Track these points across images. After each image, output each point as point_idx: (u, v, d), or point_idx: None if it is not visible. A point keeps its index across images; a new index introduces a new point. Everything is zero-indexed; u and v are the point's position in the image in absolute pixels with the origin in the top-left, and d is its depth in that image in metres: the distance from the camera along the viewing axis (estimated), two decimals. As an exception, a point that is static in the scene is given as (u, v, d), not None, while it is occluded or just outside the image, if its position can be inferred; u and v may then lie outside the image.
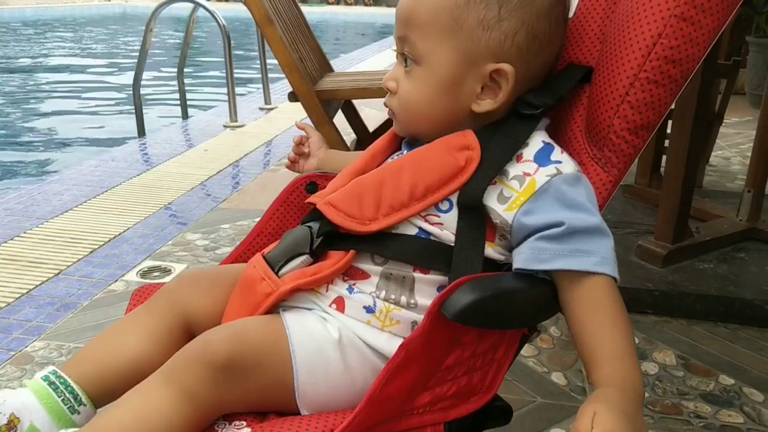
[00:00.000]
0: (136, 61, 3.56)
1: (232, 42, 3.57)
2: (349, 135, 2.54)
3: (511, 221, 0.65)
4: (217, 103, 4.36)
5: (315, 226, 0.70)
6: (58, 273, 1.85)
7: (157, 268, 1.91)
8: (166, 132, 3.62)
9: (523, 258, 0.63)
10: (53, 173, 2.83)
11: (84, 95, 5.59)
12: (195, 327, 0.73)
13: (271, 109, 4.12)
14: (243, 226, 2.23)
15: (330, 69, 2.08)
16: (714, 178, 2.83)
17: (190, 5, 3.62)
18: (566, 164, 0.66)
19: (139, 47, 3.56)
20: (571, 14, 0.74)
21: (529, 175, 0.65)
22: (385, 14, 15.78)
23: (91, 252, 2.00)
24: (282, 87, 4.94)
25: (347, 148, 1.74)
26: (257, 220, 2.26)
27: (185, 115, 3.97)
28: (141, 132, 3.57)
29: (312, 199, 0.72)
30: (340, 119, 2.33)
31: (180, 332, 0.73)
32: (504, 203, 0.65)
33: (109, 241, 2.09)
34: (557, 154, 0.67)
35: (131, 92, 3.58)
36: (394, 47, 0.76)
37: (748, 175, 1.97)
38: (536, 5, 0.68)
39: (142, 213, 2.33)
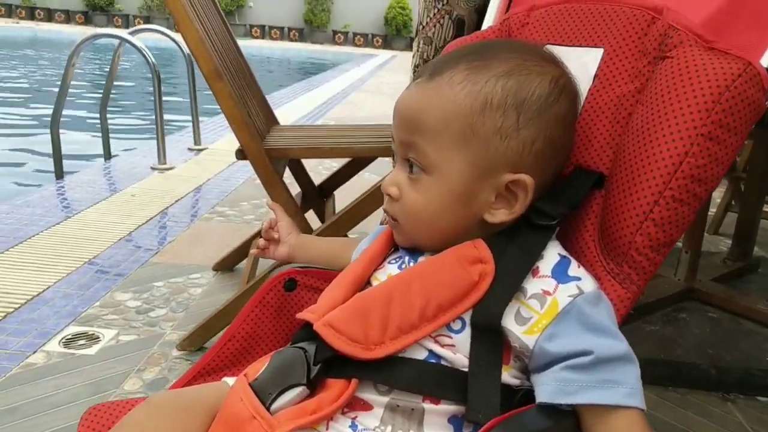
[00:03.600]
0: (50, 91, 3.33)
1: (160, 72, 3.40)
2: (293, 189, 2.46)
3: (533, 346, 0.60)
4: (142, 143, 4.15)
5: (309, 348, 0.62)
6: (-35, 344, 1.64)
7: (83, 334, 1.73)
8: (88, 174, 3.38)
9: (549, 390, 0.58)
10: (-43, 221, 2.55)
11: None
12: None
13: (201, 150, 3.96)
14: (178, 284, 2.08)
15: (275, 121, 2.00)
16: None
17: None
18: (585, 281, 0.62)
19: (53, 76, 3.33)
20: (574, 113, 0.72)
21: (549, 293, 0.61)
22: (310, 50, 15.87)
23: (5, 317, 1.79)
24: (212, 126, 4.78)
25: (298, 208, 1.66)
26: (193, 276, 2.16)
27: (108, 155, 3.74)
28: (59, 174, 3.32)
29: (306, 316, 0.64)
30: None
31: None
32: (523, 324, 0.60)
33: (26, 303, 1.88)
34: (575, 268, 0.63)
35: (48, 129, 3.33)
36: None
37: (684, 237, 2.05)
38: (554, 111, 0.64)
39: (63, 269, 2.13)
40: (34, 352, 1.62)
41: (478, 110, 0.63)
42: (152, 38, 4.55)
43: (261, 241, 0.93)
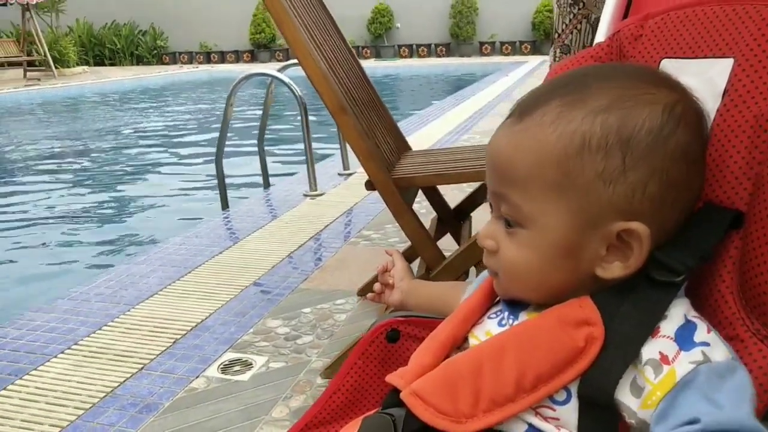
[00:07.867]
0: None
1: (308, 102, 3.58)
2: (429, 212, 2.45)
3: (651, 422, 0.51)
4: (298, 169, 4.41)
5: (399, 415, 0.59)
6: (142, 368, 1.84)
7: (238, 361, 1.85)
8: (248, 204, 3.67)
9: None
10: (141, 253, 2.89)
11: (175, 166, 5.84)
12: None
13: (350, 174, 4.11)
14: (324, 310, 2.16)
15: (407, 147, 2.01)
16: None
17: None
18: (716, 348, 0.52)
19: (222, 113, 3.64)
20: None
21: (667, 361, 0.52)
22: (457, 65, 15.89)
23: (174, 342, 1.98)
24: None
25: (429, 237, 1.63)
26: (338, 302, 2.22)
27: (267, 185, 4.03)
28: (225, 205, 3.64)
29: (393, 380, 0.61)
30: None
31: None
32: (639, 396, 0.52)
33: (191, 329, 2.06)
34: (703, 333, 0.53)
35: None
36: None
37: None
38: (670, 146, 0.55)
39: (223, 296, 2.31)
40: (196, 377, 1.77)
41: (574, 154, 0.56)
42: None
43: (377, 286, 0.92)
